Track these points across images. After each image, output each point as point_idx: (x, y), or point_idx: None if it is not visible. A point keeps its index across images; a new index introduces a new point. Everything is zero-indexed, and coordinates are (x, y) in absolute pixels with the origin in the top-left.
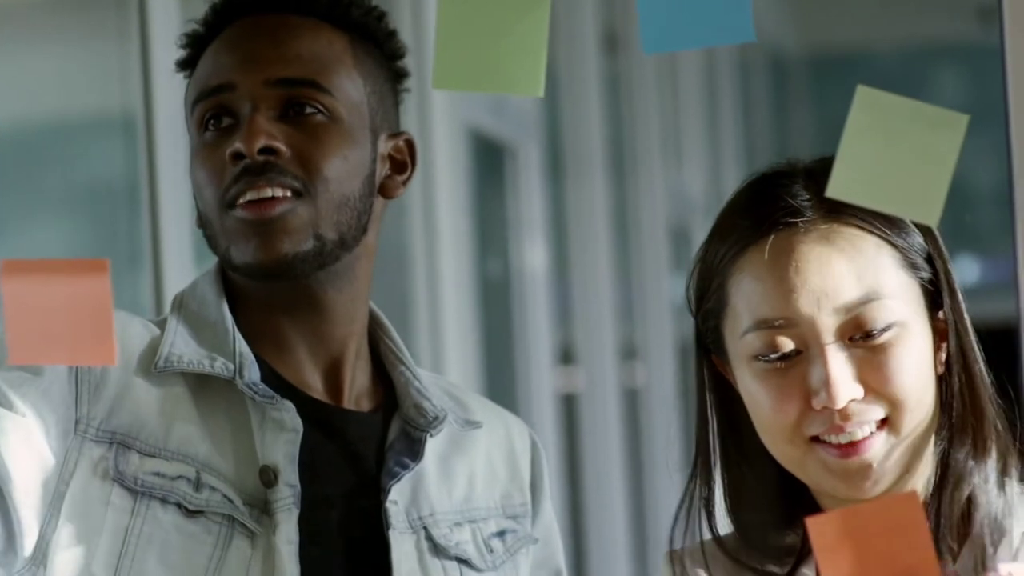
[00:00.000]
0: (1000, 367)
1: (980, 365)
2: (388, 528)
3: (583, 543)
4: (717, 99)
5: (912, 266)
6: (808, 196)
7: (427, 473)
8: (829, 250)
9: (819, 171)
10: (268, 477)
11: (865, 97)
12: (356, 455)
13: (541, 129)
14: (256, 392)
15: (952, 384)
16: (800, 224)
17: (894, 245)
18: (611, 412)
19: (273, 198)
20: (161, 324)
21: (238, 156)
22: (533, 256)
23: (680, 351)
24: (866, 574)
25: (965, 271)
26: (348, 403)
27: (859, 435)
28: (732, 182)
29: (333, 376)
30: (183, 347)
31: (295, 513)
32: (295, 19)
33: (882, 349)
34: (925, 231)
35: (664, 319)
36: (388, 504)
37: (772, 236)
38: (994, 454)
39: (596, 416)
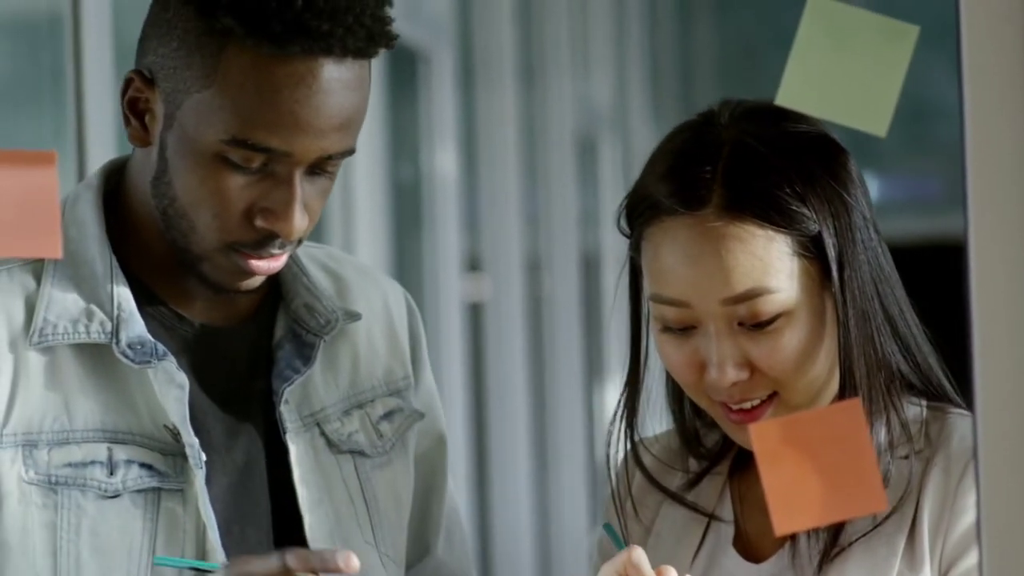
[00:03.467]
0: (910, 285)
1: (873, 333)
2: (284, 432)
3: (485, 443)
4: (625, 9)
5: (805, 249)
6: (718, 185)
7: (314, 367)
8: (720, 246)
9: (744, 146)
10: (173, 433)
11: (816, 6)
12: (249, 368)
13: (454, 36)
14: (132, 358)
15: (845, 355)
16: (699, 215)
17: (787, 234)
18: (516, 321)
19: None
20: (40, 266)
21: (272, 234)
22: (444, 163)
23: (584, 262)
24: (807, 480)
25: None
26: (235, 319)
27: (749, 406)
28: (638, 94)
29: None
30: (58, 310)
31: (202, 472)
32: (343, 70)
33: (769, 336)
34: (830, 202)
35: (569, 230)
36: (282, 408)
37: (672, 219)
38: (886, 417)
39: (501, 324)
